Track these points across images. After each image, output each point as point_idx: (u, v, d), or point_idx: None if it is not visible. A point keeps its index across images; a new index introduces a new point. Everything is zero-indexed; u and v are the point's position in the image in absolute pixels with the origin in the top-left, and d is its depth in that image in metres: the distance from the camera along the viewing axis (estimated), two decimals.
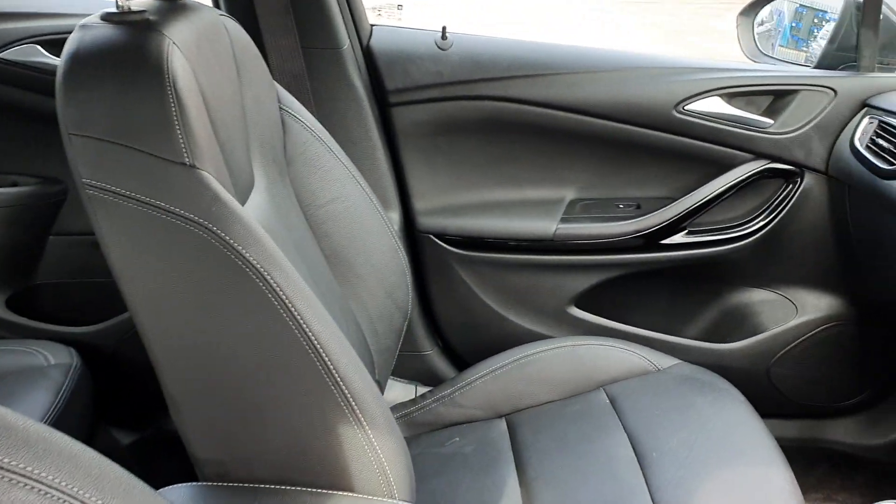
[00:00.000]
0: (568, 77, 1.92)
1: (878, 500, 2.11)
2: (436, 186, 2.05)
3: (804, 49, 3.18)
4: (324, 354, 1.05)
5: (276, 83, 1.47)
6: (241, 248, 1.00)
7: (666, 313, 2.10)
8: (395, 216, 2.01)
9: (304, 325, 1.03)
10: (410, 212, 2.05)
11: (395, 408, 1.72)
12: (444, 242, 2.04)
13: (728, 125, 1.91)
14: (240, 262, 1.00)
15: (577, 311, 2.05)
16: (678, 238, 1.97)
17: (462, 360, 2.16)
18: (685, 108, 1.90)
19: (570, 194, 2.03)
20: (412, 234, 2.06)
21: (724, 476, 1.39)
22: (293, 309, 1.02)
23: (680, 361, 1.72)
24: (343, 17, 1.92)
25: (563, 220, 1.97)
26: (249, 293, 1.01)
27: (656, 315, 2.10)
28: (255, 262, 1.00)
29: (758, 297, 2.07)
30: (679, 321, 2.11)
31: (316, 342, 1.05)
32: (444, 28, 1.96)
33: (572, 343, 1.74)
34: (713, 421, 1.52)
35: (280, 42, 1.83)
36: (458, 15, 10.15)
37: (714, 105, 1.91)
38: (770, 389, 2.10)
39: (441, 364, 2.16)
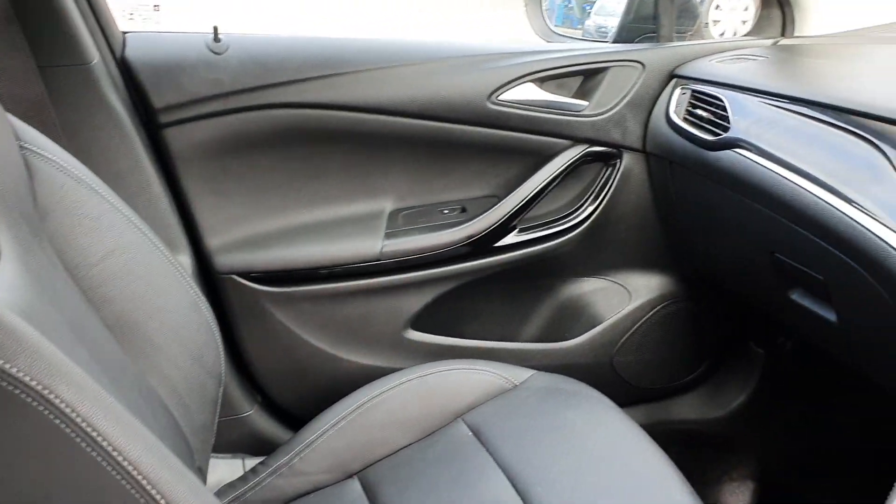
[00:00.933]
0: (370, 74, 1.69)
1: (729, 471, 2.12)
2: (230, 217, 1.74)
3: (579, 27, 3.17)
4: (137, 475, 0.75)
5: (7, 115, 1.11)
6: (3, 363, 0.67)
7: (506, 319, 1.95)
8: (187, 260, 1.67)
9: (112, 451, 0.73)
10: (204, 252, 1.73)
11: (221, 491, 1.41)
12: (251, 281, 1.74)
13: (544, 112, 1.78)
14: (6, 385, 0.67)
15: (415, 335, 1.84)
16: (510, 239, 1.81)
17: (291, 416, 1.87)
18: (499, 98, 1.74)
19: (389, 205, 1.81)
20: (210, 279, 1.74)
21: (620, 501, 1.25)
22: (94, 433, 0.71)
23: (534, 372, 1.57)
24: (88, 26, 1.55)
25: (388, 236, 1.74)
26: (29, 423, 0.68)
27: (496, 322, 1.94)
28: (27, 378, 0.68)
29: (592, 287, 1.98)
30: (519, 325, 1.97)
31: (129, 466, 0.74)
32: (215, 28, 1.65)
33: (419, 374, 1.53)
34: (591, 438, 1.38)
35: (7, 62, 1.44)
36: (232, 14, 9.47)
37: (527, 92, 1.77)
38: (616, 380, 2.03)
39: (266, 425, 1.86)
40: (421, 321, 1.83)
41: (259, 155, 1.72)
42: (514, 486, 1.30)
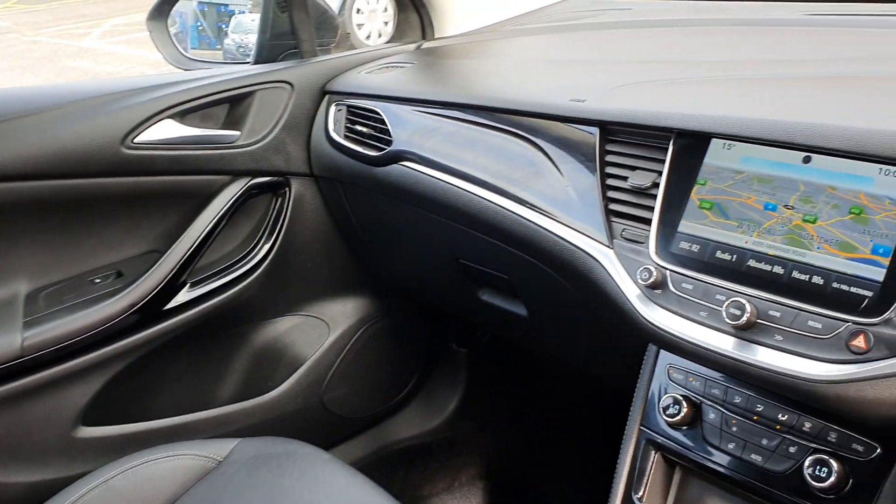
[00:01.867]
0: None
1: (459, 476, 2.10)
2: None
3: (217, 48, 2.98)
4: None
5: None
6: None
7: (198, 384, 1.74)
8: None
9: None
10: None
11: None
12: None
13: (192, 149, 1.59)
14: None
15: (89, 431, 1.55)
16: (182, 297, 1.60)
17: None
18: (135, 141, 1.51)
19: (23, 287, 1.50)
20: None
21: None
22: None
23: (239, 441, 1.40)
24: None
25: (29, 325, 1.44)
26: None
27: (188, 391, 1.72)
28: None
29: (287, 326, 1.84)
30: (215, 387, 1.76)
31: None
32: None
33: (102, 478, 1.29)
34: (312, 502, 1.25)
35: None
36: None
37: (169, 129, 1.57)
38: (330, 418, 1.91)
39: None
40: (94, 414, 1.55)
41: None
42: None
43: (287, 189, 1.71)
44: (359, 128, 1.61)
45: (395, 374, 2.02)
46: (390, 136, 1.53)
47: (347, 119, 1.65)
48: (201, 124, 1.63)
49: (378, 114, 1.57)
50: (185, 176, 1.60)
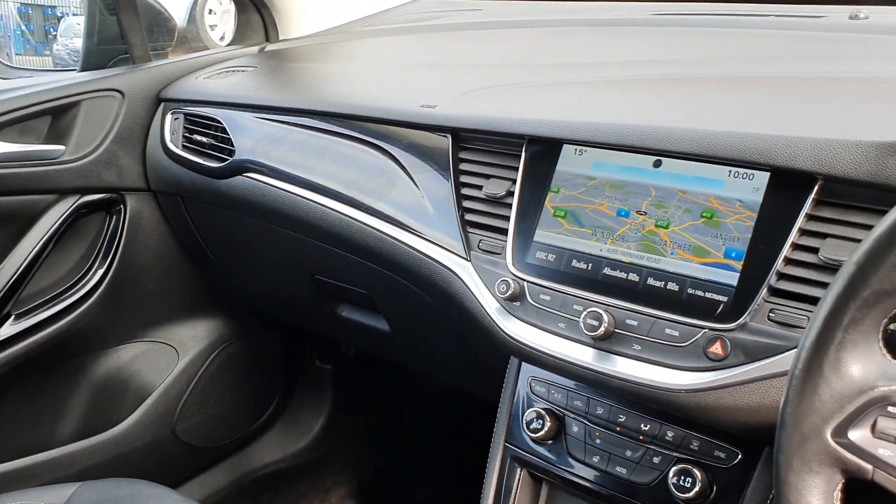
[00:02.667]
0: None
1: (328, 497, 2.01)
2: None
3: (46, 53, 2.76)
4: None
5: None
6: None
7: (33, 424, 1.57)
8: None
9: None
10: None
11: None
12: None
13: (10, 167, 1.43)
14: None
15: None
16: (6, 330, 1.44)
17: None
18: None
19: None
20: None
21: None
22: None
23: (79, 484, 1.27)
24: None
25: None
26: None
27: (22, 432, 1.55)
28: None
29: (132, 354, 1.69)
30: (53, 425, 1.60)
31: None
32: None
33: None
34: None
35: None
36: None
37: None
38: (184, 449, 1.78)
39: None
40: None
41: None
42: None
43: (122, 206, 1.58)
44: (198, 137, 1.50)
45: (254, 397, 1.91)
46: (232, 145, 1.43)
47: (185, 128, 1.54)
48: (20, 139, 1.47)
49: (218, 122, 1.47)
50: (4, 197, 1.44)
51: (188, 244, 1.67)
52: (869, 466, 0.58)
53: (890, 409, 0.58)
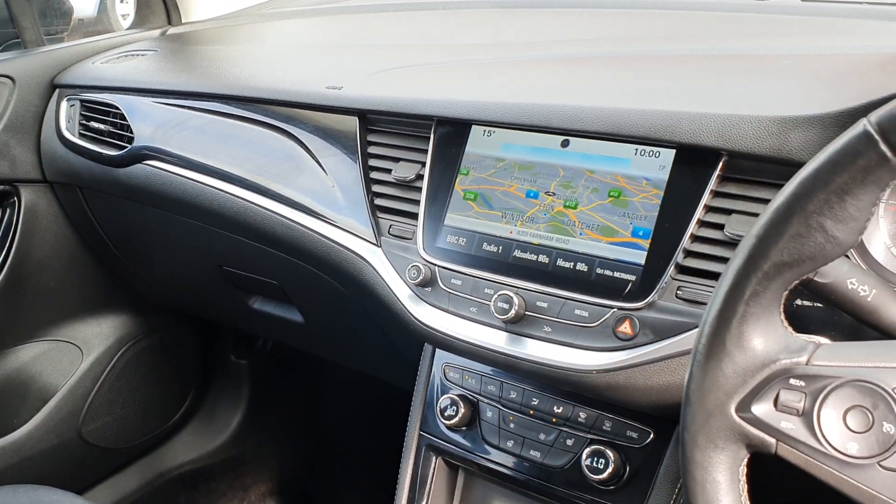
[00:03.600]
0: None
1: (247, 495, 1.96)
2: None
3: None
4: None
5: None
6: None
7: None
8: None
9: None
10: None
11: None
12: None
13: None
14: None
15: None
16: None
17: None
18: None
19: None
20: None
21: None
22: None
23: None
24: None
25: None
26: None
27: None
28: None
29: (31, 355, 1.60)
30: None
31: None
32: None
33: None
34: None
35: None
36: None
37: None
38: (92, 453, 1.70)
39: None
40: None
41: None
42: None
43: (15, 199, 1.49)
44: (95, 125, 1.43)
45: (166, 395, 1.84)
46: (131, 132, 1.36)
47: (82, 115, 1.46)
48: None
49: (116, 108, 1.40)
50: None
51: (89, 238, 1.59)
52: (772, 440, 0.58)
53: (792, 381, 0.58)
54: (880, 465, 0.55)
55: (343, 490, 1.91)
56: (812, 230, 0.56)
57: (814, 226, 0.56)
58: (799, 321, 0.70)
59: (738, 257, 0.59)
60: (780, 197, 0.58)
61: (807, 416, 0.57)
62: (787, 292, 0.59)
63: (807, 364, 0.58)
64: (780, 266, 0.58)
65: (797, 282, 0.59)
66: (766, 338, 0.59)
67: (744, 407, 0.59)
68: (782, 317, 0.60)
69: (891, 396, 0.55)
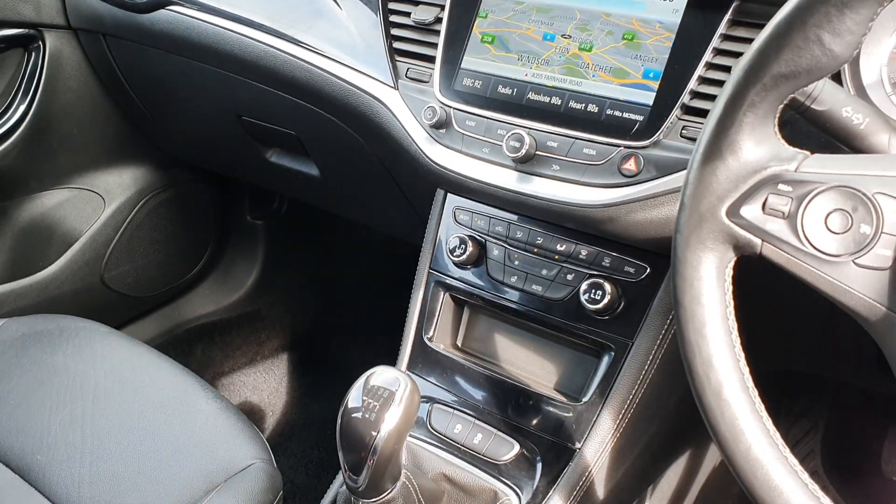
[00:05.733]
0: None
1: (261, 349, 2.05)
2: None
3: None
4: None
5: None
6: None
7: None
8: None
9: None
10: None
11: None
12: None
13: None
14: None
15: None
16: None
17: None
18: None
19: None
20: None
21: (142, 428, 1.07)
22: None
23: (5, 320, 1.28)
24: None
25: None
26: None
27: None
28: None
29: (56, 201, 1.66)
30: None
31: None
32: None
33: None
34: (90, 376, 1.16)
35: None
36: None
37: None
38: (113, 298, 1.77)
39: None
40: None
41: None
42: (7, 463, 1.04)
43: (40, 43, 1.51)
44: None
45: (185, 249, 1.90)
46: None
47: None
48: None
49: None
50: None
51: (112, 87, 1.62)
52: (758, 240, 0.62)
53: (780, 186, 0.62)
54: (855, 263, 0.60)
55: (353, 347, 1.99)
56: (810, 43, 0.59)
57: (812, 38, 0.59)
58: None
59: (738, 69, 0.62)
60: (782, 12, 0.60)
61: (791, 219, 0.61)
62: (782, 105, 0.63)
63: (795, 171, 0.62)
64: (778, 78, 0.61)
65: (792, 95, 0.62)
66: (759, 146, 0.63)
67: (734, 210, 0.63)
68: (776, 129, 0.63)
69: (870, 200, 0.59)
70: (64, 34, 1.54)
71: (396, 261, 1.80)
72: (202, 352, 1.96)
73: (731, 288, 0.65)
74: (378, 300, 2.00)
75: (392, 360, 1.25)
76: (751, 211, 0.62)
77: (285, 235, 2.02)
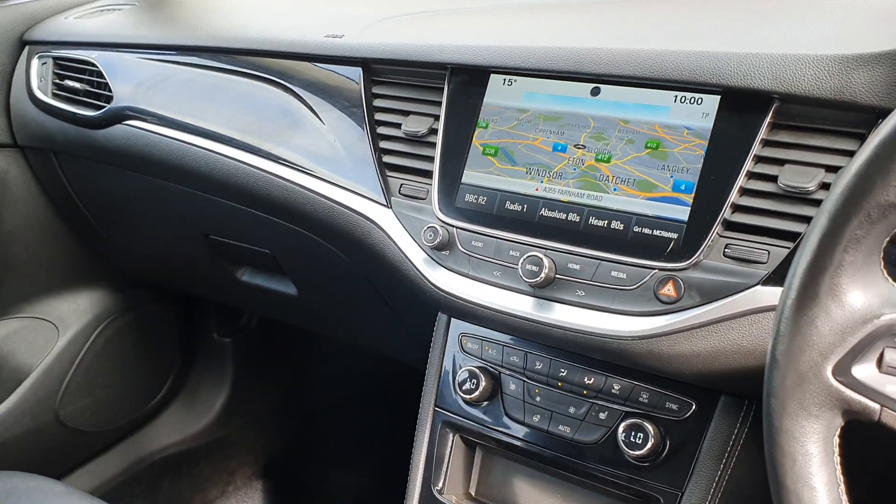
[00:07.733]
0: None
1: (232, 479, 1.87)
2: None
3: None
4: None
5: None
6: None
7: None
8: None
9: None
10: None
11: None
12: None
13: None
14: None
15: None
16: None
17: None
18: None
19: None
20: None
21: None
22: None
23: None
24: None
25: None
26: None
27: None
28: None
29: (4, 332, 1.50)
30: None
31: None
32: None
33: None
34: None
35: None
36: None
37: None
38: (69, 436, 1.60)
39: None
40: None
41: None
42: None
43: None
44: (70, 83, 1.32)
45: (147, 375, 1.74)
46: (110, 90, 1.26)
47: (55, 74, 1.35)
48: None
49: (93, 65, 1.30)
50: None
51: (64, 207, 1.49)
52: (876, 406, 0.51)
53: None
54: None
55: (334, 472, 1.83)
56: None
57: None
58: None
59: (834, 197, 0.52)
60: (885, 128, 0.50)
61: None
62: (888, 238, 0.52)
63: None
64: (886, 207, 0.50)
65: None
66: (866, 290, 0.52)
67: (842, 369, 0.52)
68: (883, 266, 0.53)
69: None
70: (10, 153, 1.43)
71: (379, 375, 1.65)
72: (169, 486, 1.78)
73: (839, 460, 0.53)
74: (359, 419, 1.85)
75: (377, 484, 1.10)
76: (864, 370, 0.51)
77: (255, 351, 1.87)
